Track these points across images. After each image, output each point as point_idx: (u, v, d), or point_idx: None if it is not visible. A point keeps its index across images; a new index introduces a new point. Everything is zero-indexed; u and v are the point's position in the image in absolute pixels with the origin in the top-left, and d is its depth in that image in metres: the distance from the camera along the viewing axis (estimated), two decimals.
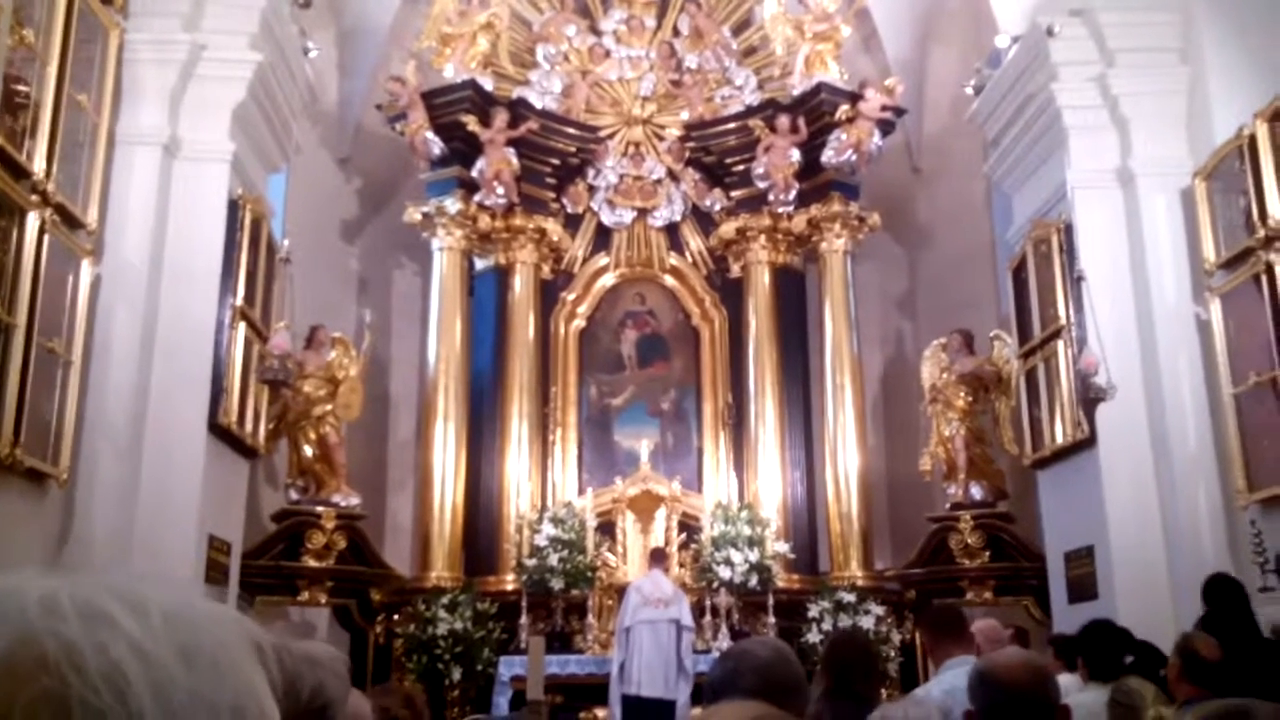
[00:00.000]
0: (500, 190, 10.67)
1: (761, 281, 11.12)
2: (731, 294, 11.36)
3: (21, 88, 6.09)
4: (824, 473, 10.72)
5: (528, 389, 10.76)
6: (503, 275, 11.07)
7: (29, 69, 6.17)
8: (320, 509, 9.68)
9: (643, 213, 11.50)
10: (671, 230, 11.59)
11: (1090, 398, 8.01)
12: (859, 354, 11.02)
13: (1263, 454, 7.22)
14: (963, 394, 10.22)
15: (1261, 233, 7.19)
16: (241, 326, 8.43)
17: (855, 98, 10.73)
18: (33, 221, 6.15)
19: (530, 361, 10.84)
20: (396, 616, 9.87)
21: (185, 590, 0.58)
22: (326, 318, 10.33)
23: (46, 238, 6.26)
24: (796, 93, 11.03)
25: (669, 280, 11.61)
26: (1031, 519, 9.72)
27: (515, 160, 10.73)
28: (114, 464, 7.38)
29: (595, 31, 11.93)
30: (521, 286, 11.00)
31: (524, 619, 9.63)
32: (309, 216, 10.94)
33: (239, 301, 8.39)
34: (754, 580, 9.73)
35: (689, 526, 10.34)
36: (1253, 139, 7.31)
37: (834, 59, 10.99)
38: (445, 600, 9.53)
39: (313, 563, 9.54)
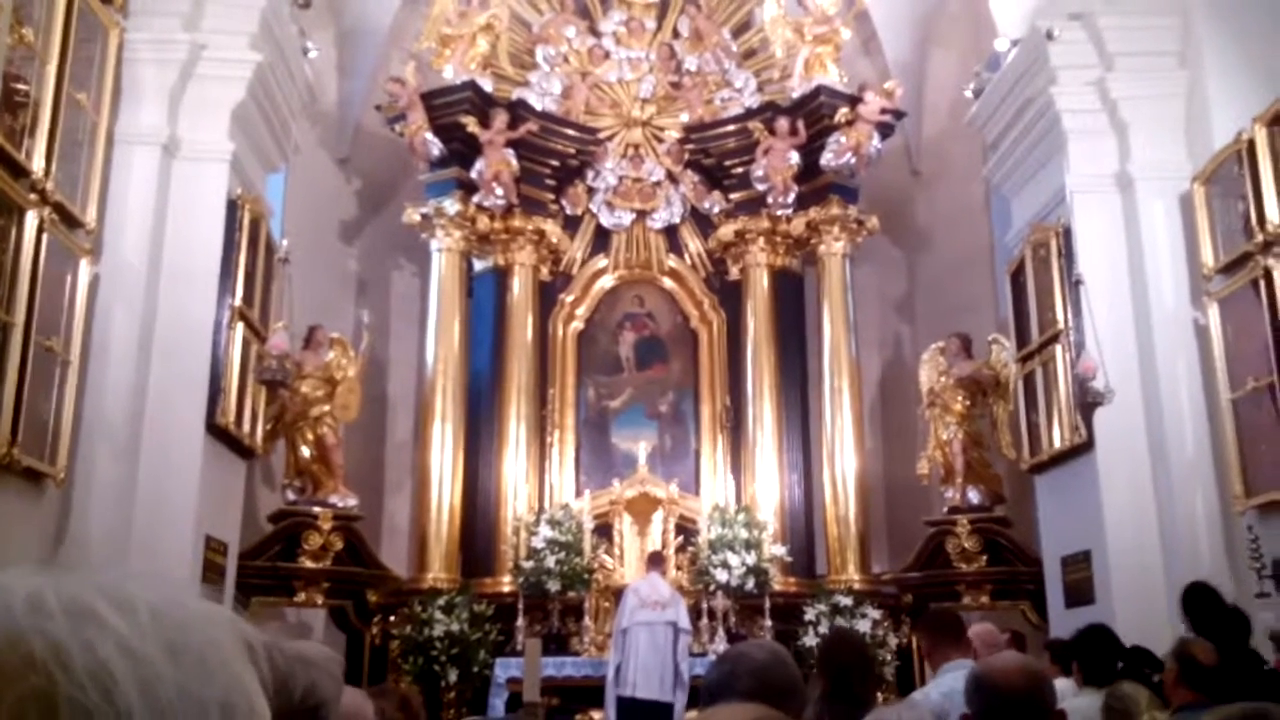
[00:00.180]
0: (499, 191, 10.67)
1: (760, 284, 11.13)
2: (730, 296, 11.37)
3: (21, 86, 6.08)
4: (821, 476, 10.72)
5: (526, 390, 10.76)
6: (501, 276, 11.07)
7: (29, 68, 6.17)
8: (317, 510, 9.67)
9: (642, 215, 11.50)
10: (670, 232, 11.59)
11: (1088, 402, 8.01)
12: (857, 357, 11.02)
13: (1260, 459, 7.22)
14: (961, 398, 10.22)
15: (1260, 237, 7.19)
16: (240, 326, 8.43)
17: (855, 101, 10.74)
18: (31, 220, 6.15)
19: (528, 363, 10.84)
20: (393, 618, 9.86)
21: (174, 588, 0.58)
22: (325, 318, 10.32)
23: (45, 237, 6.25)
24: (796, 95, 11.04)
25: (668, 282, 11.62)
26: (1029, 523, 9.72)
27: (514, 161, 10.73)
28: (111, 464, 7.38)
29: (595, 33, 11.94)
30: (520, 288, 11.00)
31: (521, 621, 9.62)
32: (308, 217, 10.94)
33: (237, 301, 8.38)
34: (751, 583, 9.73)
35: (686, 529, 10.34)
36: (1251, 144, 7.32)
37: (833, 62, 11.00)
38: (442, 602, 9.52)
39: (309, 563, 9.53)
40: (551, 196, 11.37)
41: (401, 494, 11.36)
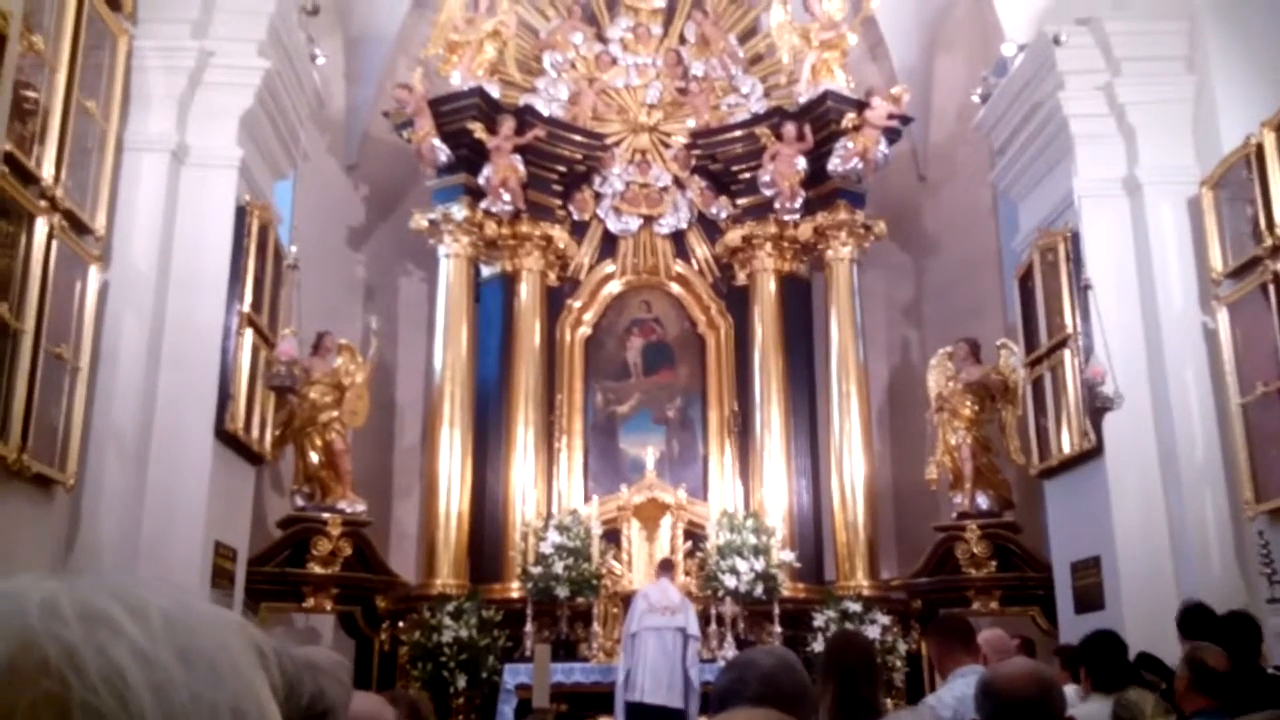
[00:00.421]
0: (507, 197, 10.69)
1: (767, 289, 11.12)
2: (737, 302, 11.36)
3: (30, 94, 6.11)
4: (830, 481, 10.70)
5: (533, 396, 10.77)
6: (509, 282, 11.08)
7: (38, 75, 6.19)
8: (326, 515, 9.69)
9: (649, 220, 11.51)
10: (678, 238, 11.60)
11: (1097, 407, 7.99)
12: (865, 362, 11.00)
13: (1270, 464, 7.19)
14: (969, 403, 10.20)
15: (1269, 241, 7.17)
16: (248, 333, 8.45)
17: (862, 106, 10.74)
18: (41, 227, 6.17)
19: (536, 369, 10.85)
20: (401, 624, 9.86)
21: (185, 593, 0.58)
22: (333, 324, 10.35)
23: (55, 243, 6.28)
24: (803, 101, 11.05)
25: (675, 288, 11.62)
26: (1038, 529, 9.69)
27: (522, 167, 10.75)
28: (121, 470, 7.40)
29: (602, 39, 11.96)
30: (527, 293, 11.01)
31: (529, 627, 9.62)
32: (316, 223, 10.96)
33: (246, 308, 8.41)
34: (759, 589, 9.71)
35: (694, 535, 10.32)
36: (1260, 148, 7.30)
37: (840, 67, 11.01)
38: (450, 607, 9.51)
39: (318, 569, 9.54)
40: (559, 202, 11.39)
41: (410, 499, 11.38)
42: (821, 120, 10.89)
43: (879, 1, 10.84)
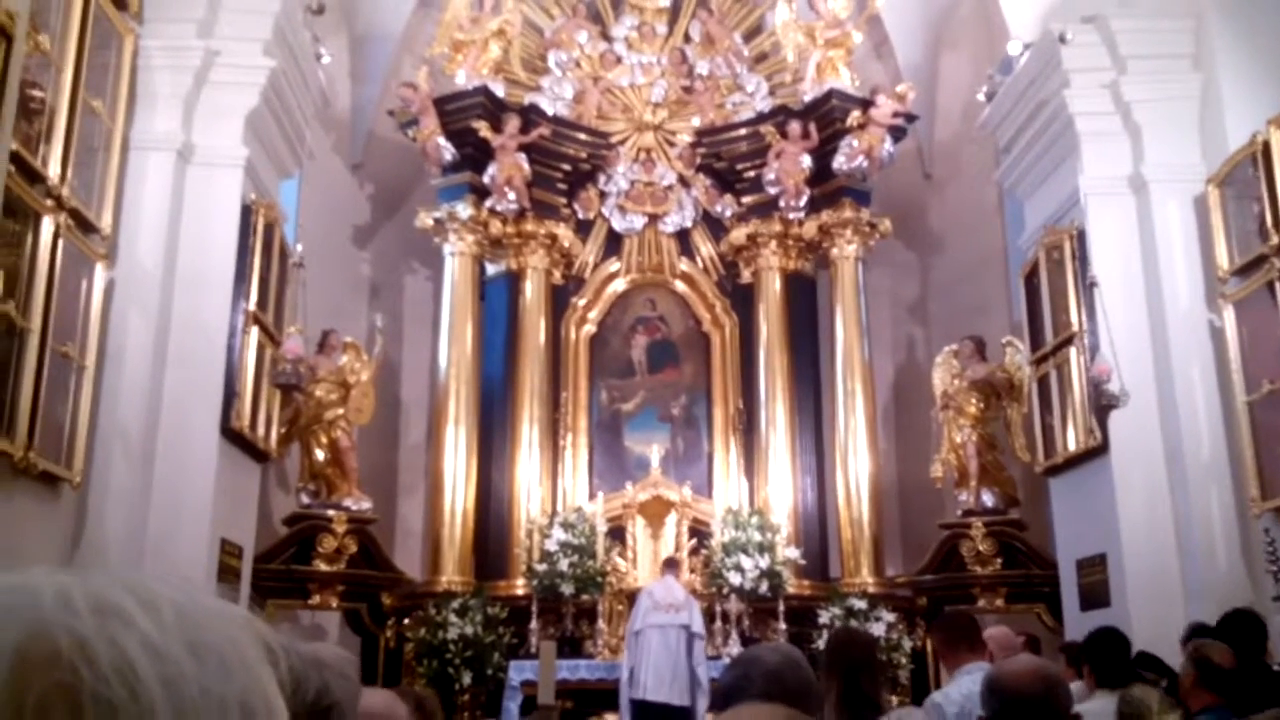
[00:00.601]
0: (511, 196, 10.70)
1: (772, 287, 11.12)
2: (742, 300, 11.36)
3: (37, 93, 6.12)
4: (835, 479, 10.70)
5: (538, 394, 10.77)
6: (514, 280, 11.09)
7: (44, 74, 6.21)
8: (331, 513, 9.70)
9: (654, 218, 11.51)
10: (682, 236, 11.60)
11: (1103, 404, 7.98)
12: (870, 360, 11.00)
13: (1276, 462, 7.18)
14: (974, 400, 10.19)
15: (1275, 239, 7.15)
16: (254, 331, 8.47)
17: (867, 104, 10.73)
18: (47, 226, 6.19)
19: (541, 366, 10.85)
20: (407, 621, 9.87)
21: (193, 588, 0.59)
22: (338, 322, 10.37)
23: (61, 242, 6.30)
24: (808, 99, 11.03)
25: (680, 286, 11.62)
26: (1043, 526, 9.68)
27: (527, 166, 10.76)
28: (127, 467, 7.41)
29: (607, 38, 11.96)
30: (532, 292, 11.01)
31: (534, 624, 9.63)
32: (321, 222, 10.98)
33: (252, 306, 8.43)
34: (764, 586, 9.72)
35: (699, 532, 10.33)
36: (1266, 145, 7.28)
37: (845, 65, 10.99)
38: (456, 605, 9.53)
39: (324, 566, 9.56)
40: (564, 200, 11.39)
41: (415, 497, 11.39)
42: (826, 118, 10.88)
43: None
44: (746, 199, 11.39)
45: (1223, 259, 7.79)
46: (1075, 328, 8.72)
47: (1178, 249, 8.28)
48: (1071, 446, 8.80)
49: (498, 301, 11.11)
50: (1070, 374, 8.81)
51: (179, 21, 8.16)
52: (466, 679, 9.31)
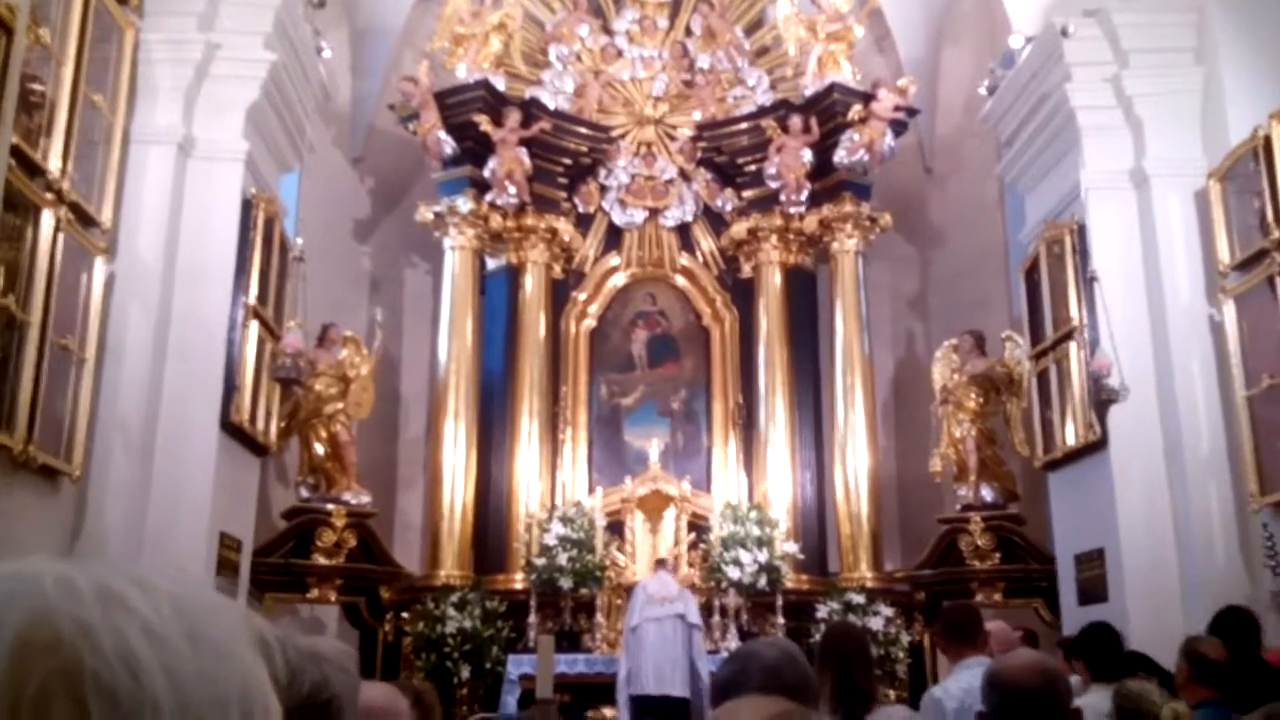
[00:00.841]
0: (512, 190, 10.69)
1: (772, 282, 11.11)
2: (742, 294, 11.36)
3: (37, 86, 6.12)
4: (834, 473, 10.70)
5: (538, 388, 10.78)
6: (514, 274, 11.08)
7: (45, 68, 6.21)
8: (331, 507, 9.71)
9: (654, 213, 11.50)
10: (683, 230, 11.59)
11: (1102, 399, 7.99)
12: (870, 354, 11.00)
13: (1276, 457, 7.19)
14: (974, 395, 10.19)
15: (1276, 234, 7.15)
16: (254, 325, 8.46)
17: (868, 98, 10.71)
18: (48, 219, 6.19)
19: (541, 361, 10.85)
20: (406, 614, 9.88)
21: (191, 580, 0.59)
22: (338, 316, 10.37)
23: (61, 235, 6.30)
24: (809, 93, 11.02)
25: (680, 280, 11.62)
26: (1042, 521, 9.68)
27: (527, 160, 10.75)
28: (126, 461, 7.42)
29: (608, 31, 11.94)
30: (533, 286, 11.01)
31: (533, 618, 9.64)
32: (321, 216, 10.98)
33: (252, 300, 8.42)
34: (763, 581, 9.72)
35: (698, 526, 10.33)
36: (1268, 140, 7.28)
37: (847, 59, 10.97)
38: (454, 598, 9.54)
39: (323, 560, 9.57)
40: (564, 195, 11.38)
41: (414, 491, 11.40)
42: (827, 112, 10.87)
43: None
44: (747, 193, 11.38)
45: (1223, 253, 7.79)
46: (1075, 322, 8.72)
47: (1178, 243, 8.28)
48: (1071, 441, 8.80)
49: (498, 296, 11.11)
50: (1070, 369, 8.81)
51: (179, 15, 8.15)
52: (465, 673, 9.32)
